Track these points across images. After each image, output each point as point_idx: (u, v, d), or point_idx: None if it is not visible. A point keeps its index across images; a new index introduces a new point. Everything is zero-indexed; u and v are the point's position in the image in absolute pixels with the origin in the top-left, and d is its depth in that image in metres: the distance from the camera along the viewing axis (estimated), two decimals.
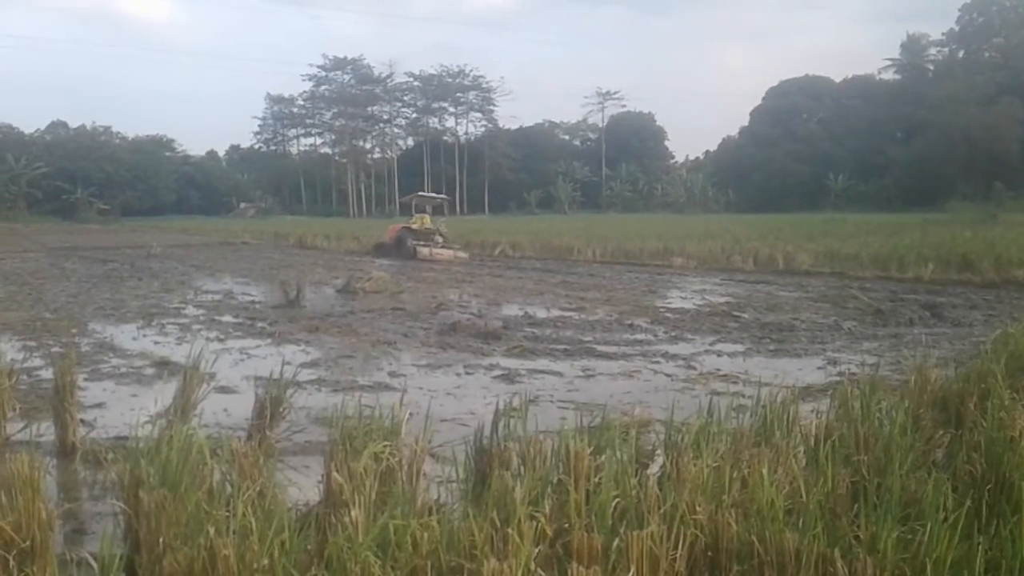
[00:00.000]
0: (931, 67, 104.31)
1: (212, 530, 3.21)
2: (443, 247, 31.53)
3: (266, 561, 3.06)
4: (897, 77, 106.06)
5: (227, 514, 3.64)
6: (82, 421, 6.99)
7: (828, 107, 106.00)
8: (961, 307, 15.71)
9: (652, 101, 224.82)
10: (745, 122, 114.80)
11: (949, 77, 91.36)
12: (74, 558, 4.06)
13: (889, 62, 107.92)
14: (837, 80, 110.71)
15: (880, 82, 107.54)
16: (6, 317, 14.30)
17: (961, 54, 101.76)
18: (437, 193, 46.25)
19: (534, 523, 3.39)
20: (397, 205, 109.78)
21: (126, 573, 3.80)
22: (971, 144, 78.80)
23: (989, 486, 4.20)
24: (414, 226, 33.02)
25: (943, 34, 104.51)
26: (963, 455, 4.62)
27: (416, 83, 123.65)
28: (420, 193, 43.01)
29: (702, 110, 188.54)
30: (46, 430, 6.66)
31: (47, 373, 8.70)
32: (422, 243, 31.35)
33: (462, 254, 31.57)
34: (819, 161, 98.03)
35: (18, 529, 3.69)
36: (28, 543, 3.68)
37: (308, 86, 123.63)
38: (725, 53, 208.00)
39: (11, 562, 3.59)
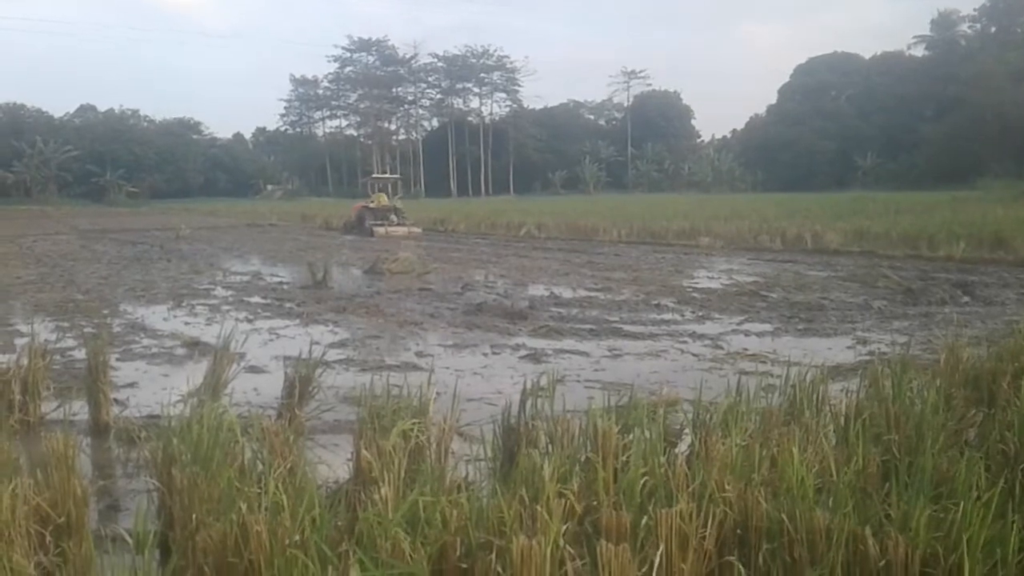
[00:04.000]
0: (963, 43, 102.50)
1: (244, 506, 3.25)
2: (398, 224, 34.33)
3: (298, 537, 3.09)
4: (927, 53, 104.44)
5: (259, 491, 3.68)
6: (115, 400, 7.09)
7: (857, 84, 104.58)
8: (993, 286, 15.50)
9: (678, 79, 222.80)
10: (773, 100, 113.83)
11: (981, 53, 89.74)
12: (109, 534, 4.13)
13: (919, 38, 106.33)
14: (866, 57, 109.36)
15: (910, 58, 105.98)
16: (39, 298, 14.50)
17: (993, 30, 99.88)
18: (391, 175, 51.16)
19: (563, 500, 3.40)
20: (422, 186, 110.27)
21: (160, 549, 3.86)
22: (1003, 121, 77.37)
23: (1023, 465, 4.15)
24: (372, 205, 35.89)
25: (975, 9, 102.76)
26: (996, 434, 4.57)
27: (440, 64, 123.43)
28: (374, 175, 46.96)
29: (729, 88, 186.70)
30: (80, 409, 6.76)
31: (80, 353, 8.82)
32: (378, 222, 34.18)
33: (416, 229, 34.48)
34: (848, 139, 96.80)
35: (54, 505, 3.75)
36: (64, 519, 3.74)
37: (333, 68, 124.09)
38: (753, 30, 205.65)
39: (47, 538, 3.65)
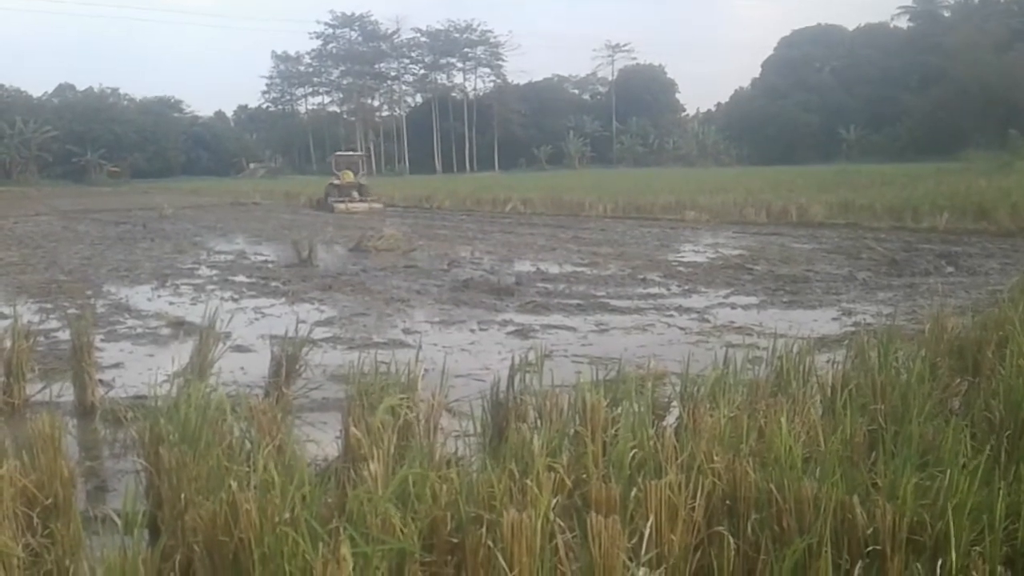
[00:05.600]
0: (946, 14, 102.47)
1: (234, 485, 3.23)
2: (360, 200, 35.98)
3: (288, 515, 3.08)
4: (911, 25, 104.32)
5: (247, 469, 3.67)
6: (100, 381, 7.05)
7: (841, 56, 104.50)
8: (977, 256, 15.62)
9: (663, 53, 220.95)
10: (757, 73, 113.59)
11: (964, 24, 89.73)
12: (98, 515, 4.12)
13: (902, 9, 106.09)
14: (850, 29, 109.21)
15: (894, 30, 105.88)
16: (21, 280, 14.39)
17: (976, 0, 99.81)
18: (356, 152, 53.39)
19: (552, 474, 3.40)
20: (406, 162, 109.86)
21: (149, 528, 3.84)
22: (986, 92, 77.52)
23: (1008, 432, 4.19)
24: (337, 182, 37.75)
25: None
26: (981, 402, 4.61)
27: (423, 39, 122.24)
28: (337, 153, 48.47)
29: (714, 62, 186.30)
30: (65, 390, 6.72)
31: (64, 334, 8.75)
32: (340, 199, 35.85)
33: (377, 205, 36.00)
34: (832, 112, 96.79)
35: (41, 487, 3.73)
36: (51, 500, 3.72)
37: (315, 44, 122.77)
38: (737, 2, 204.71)
39: (35, 519, 3.63)
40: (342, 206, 34.79)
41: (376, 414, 4.19)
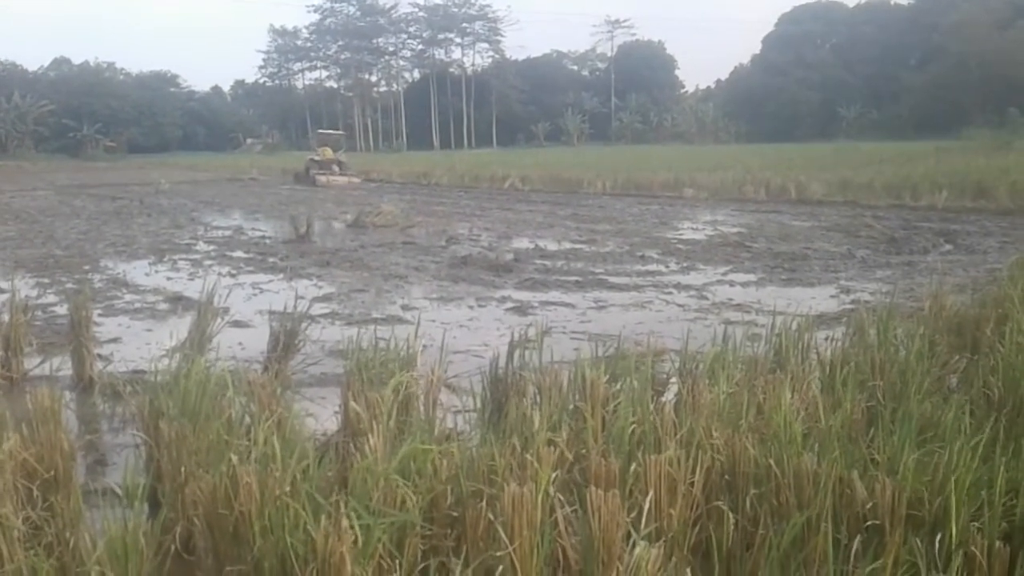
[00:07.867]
0: None
1: (235, 458, 3.24)
2: (340, 175, 38.76)
3: (288, 487, 3.08)
4: (912, 2, 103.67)
5: (247, 443, 3.67)
6: (99, 356, 7.05)
7: (841, 33, 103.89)
8: (976, 234, 15.61)
9: (662, 29, 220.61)
10: (757, 50, 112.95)
11: (964, 1, 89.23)
12: (98, 488, 4.12)
13: None
14: (851, 5, 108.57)
15: (895, 7, 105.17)
16: (19, 255, 14.35)
17: None
18: (336, 131, 55.16)
19: (552, 449, 3.40)
20: (404, 138, 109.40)
21: (149, 501, 3.85)
22: (986, 70, 77.23)
23: (1007, 409, 4.20)
24: (317, 158, 40.66)
25: None
26: (980, 380, 4.61)
27: (422, 14, 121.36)
28: (320, 131, 52.39)
29: (713, 38, 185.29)
30: (63, 364, 6.72)
31: (62, 309, 8.76)
32: (321, 172, 38.68)
33: (355, 179, 38.90)
34: (832, 89, 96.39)
35: (41, 460, 3.73)
36: (51, 473, 3.72)
37: (313, 18, 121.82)
38: None
39: (35, 492, 3.64)
40: (323, 179, 37.61)
41: (385, 391, 4.17)
